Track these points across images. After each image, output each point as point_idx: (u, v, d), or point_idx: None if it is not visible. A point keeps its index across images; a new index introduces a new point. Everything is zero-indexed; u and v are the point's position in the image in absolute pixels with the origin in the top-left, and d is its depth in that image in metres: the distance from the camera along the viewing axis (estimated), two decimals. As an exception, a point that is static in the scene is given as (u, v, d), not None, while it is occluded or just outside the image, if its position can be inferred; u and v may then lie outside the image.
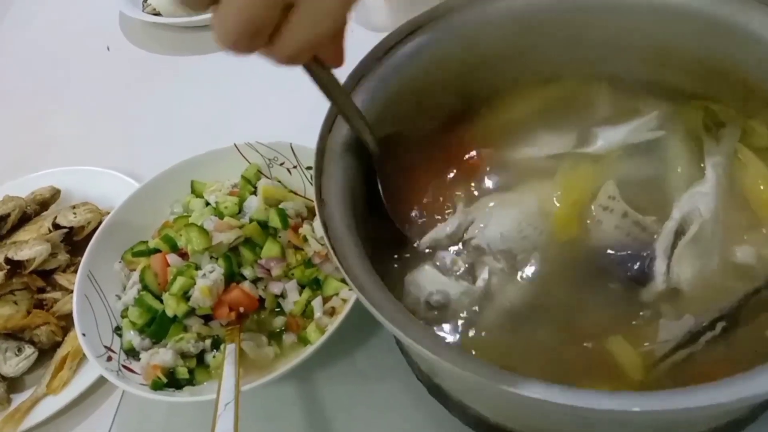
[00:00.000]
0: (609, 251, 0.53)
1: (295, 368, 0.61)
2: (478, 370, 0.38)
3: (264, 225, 0.71)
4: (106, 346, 0.65)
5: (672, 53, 0.60)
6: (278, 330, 0.68)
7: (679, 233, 0.52)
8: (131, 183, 0.85)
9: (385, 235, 0.55)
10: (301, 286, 0.69)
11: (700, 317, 0.49)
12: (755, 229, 0.53)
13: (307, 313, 0.68)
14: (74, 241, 0.82)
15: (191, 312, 0.66)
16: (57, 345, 0.73)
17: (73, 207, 0.85)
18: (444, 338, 0.51)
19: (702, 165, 0.56)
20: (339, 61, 0.49)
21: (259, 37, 0.39)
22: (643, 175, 0.57)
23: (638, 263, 0.51)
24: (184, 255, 0.69)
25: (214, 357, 0.66)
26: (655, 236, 0.52)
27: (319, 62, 0.47)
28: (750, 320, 0.48)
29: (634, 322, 0.50)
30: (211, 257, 0.68)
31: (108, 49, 1.19)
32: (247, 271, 0.68)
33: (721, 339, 0.47)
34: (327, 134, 0.54)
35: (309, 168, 0.75)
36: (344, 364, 0.67)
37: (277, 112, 0.93)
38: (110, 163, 0.92)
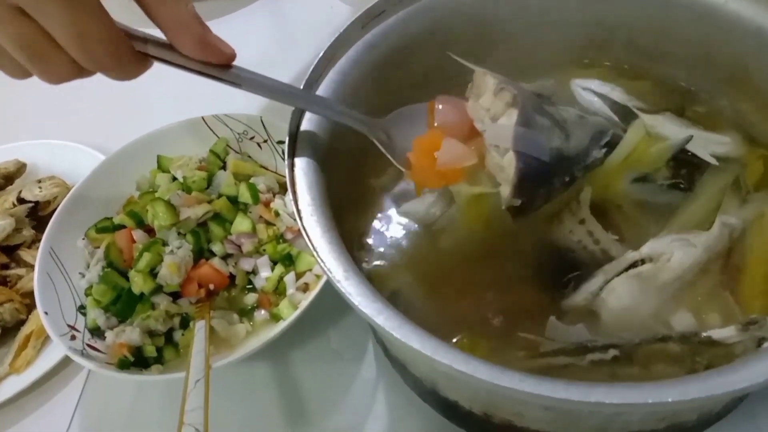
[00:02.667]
0: (561, 248, 0.52)
1: (268, 345, 0.59)
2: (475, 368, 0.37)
3: (234, 200, 0.69)
4: (69, 325, 0.63)
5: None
6: (250, 307, 0.66)
7: (634, 265, 0.49)
8: (99, 157, 0.82)
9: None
10: (273, 262, 0.67)
11: (595, 335, 0.47)
12: (716, 300, 0.49)
13: (279, 289, 0.66)
14: (40, 217, 0.79)
15: (159, 289, 0.64)
16: (21, 323, 0.71)
17: (39, 181, 0.82)
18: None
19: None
20: (204, 53, 0.44)
21: (44, 62, 0.42)
22: (659, 199, 0.54)
23: (572, 274, 0.50)
24: (150, 231, 0.67)
25: (183, 335, 0.64)
26: (610, 256, 0.50)
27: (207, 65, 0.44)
28: (644, 363, 0.45)
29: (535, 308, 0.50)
30: (179, 233, 0.66)
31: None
32: (216, 247, 0.66)
33: (608, 367, 0.45)
34: (300, 114, 0.52)
35: (280, 142, 0.73)
36: (318, 343, 0.66)
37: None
38: (78, 137, 0.89)
